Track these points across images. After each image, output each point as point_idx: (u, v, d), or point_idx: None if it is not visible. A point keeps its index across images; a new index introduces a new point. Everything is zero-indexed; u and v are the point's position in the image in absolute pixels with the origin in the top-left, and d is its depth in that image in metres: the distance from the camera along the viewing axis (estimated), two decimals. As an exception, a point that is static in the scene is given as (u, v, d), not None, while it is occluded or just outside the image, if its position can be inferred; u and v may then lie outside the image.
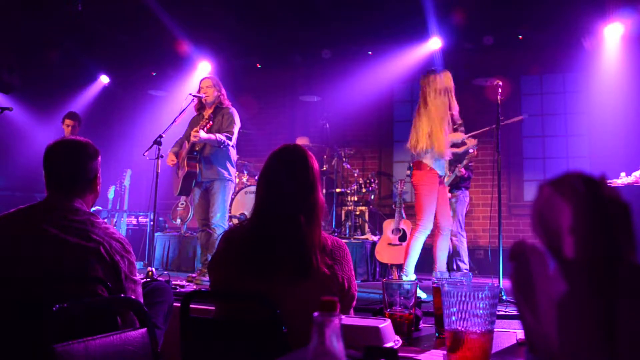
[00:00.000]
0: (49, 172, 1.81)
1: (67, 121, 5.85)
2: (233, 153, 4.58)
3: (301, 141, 7.05)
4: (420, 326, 1.58)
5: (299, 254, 1.49)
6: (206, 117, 4.46)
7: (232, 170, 4.57)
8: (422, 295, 3.77)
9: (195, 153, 4.47)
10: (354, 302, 1.64)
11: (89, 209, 1.81)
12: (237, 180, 6.28)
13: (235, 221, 5.74)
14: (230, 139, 4.41)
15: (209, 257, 4.17)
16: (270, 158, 1.62)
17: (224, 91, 4.61)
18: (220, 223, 4.41)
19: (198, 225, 4.63)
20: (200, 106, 4.63)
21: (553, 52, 6.80)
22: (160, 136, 4.41)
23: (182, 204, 6.70)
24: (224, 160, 4.48)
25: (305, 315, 1.39)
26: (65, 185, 1.78)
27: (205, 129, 4.30)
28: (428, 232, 4.01)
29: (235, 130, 4.48)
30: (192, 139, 4.29)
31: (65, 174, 1.79)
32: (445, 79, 4.02)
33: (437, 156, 3.96)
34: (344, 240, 1.81)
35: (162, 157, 4.44)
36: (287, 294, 1.46)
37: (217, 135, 4.34)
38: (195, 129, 4.31)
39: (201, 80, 4.66)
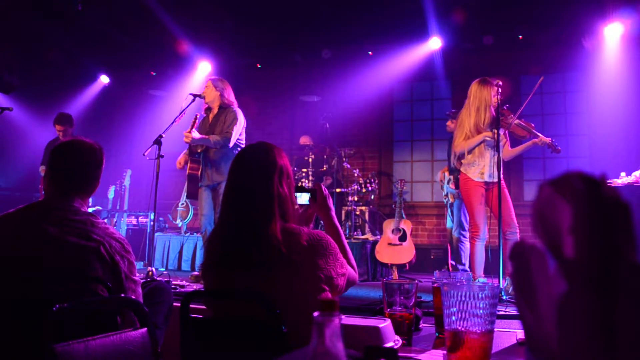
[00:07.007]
0: (53, 172, 1.80)
1: (57, 127, 5.75)
2: None
3: (304, 140, 7.06)
4: (420, 326, 1.58)
5: (257, 244, 1.51)
6: (211, 117, 4.47)
7: None
8: None
9: (197, 155, 4.44)
10: (356, 276, 1.68)
11: (87, 209, 1.81)
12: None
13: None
14: (228, 140, 4.33)
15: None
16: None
17: (226, 94, 4.54)
18: None
19: (201, 226, 4.56)
20: (208, 107, 4.63)
21: (553, 52, 6.79)
22: (160, 136, 4.40)
23: (182, 203, 6.70)
24: (230, 161, 4.46)
25: (287, 304, 1.40)
26: (65, 185, 1.78)
27: (194, 128, 4.28)
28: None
29: (235, 130, 4.37)
30: (185, 140, 4.27)
31: (69, 174, 1.79)
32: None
33: None
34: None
35: (162, 157, 4.43)
36: (267, 287, 1.48)
37: (212, 137, 4.30)
38: (187, 130, 4.28)
39: (206, 81, 4.70)
